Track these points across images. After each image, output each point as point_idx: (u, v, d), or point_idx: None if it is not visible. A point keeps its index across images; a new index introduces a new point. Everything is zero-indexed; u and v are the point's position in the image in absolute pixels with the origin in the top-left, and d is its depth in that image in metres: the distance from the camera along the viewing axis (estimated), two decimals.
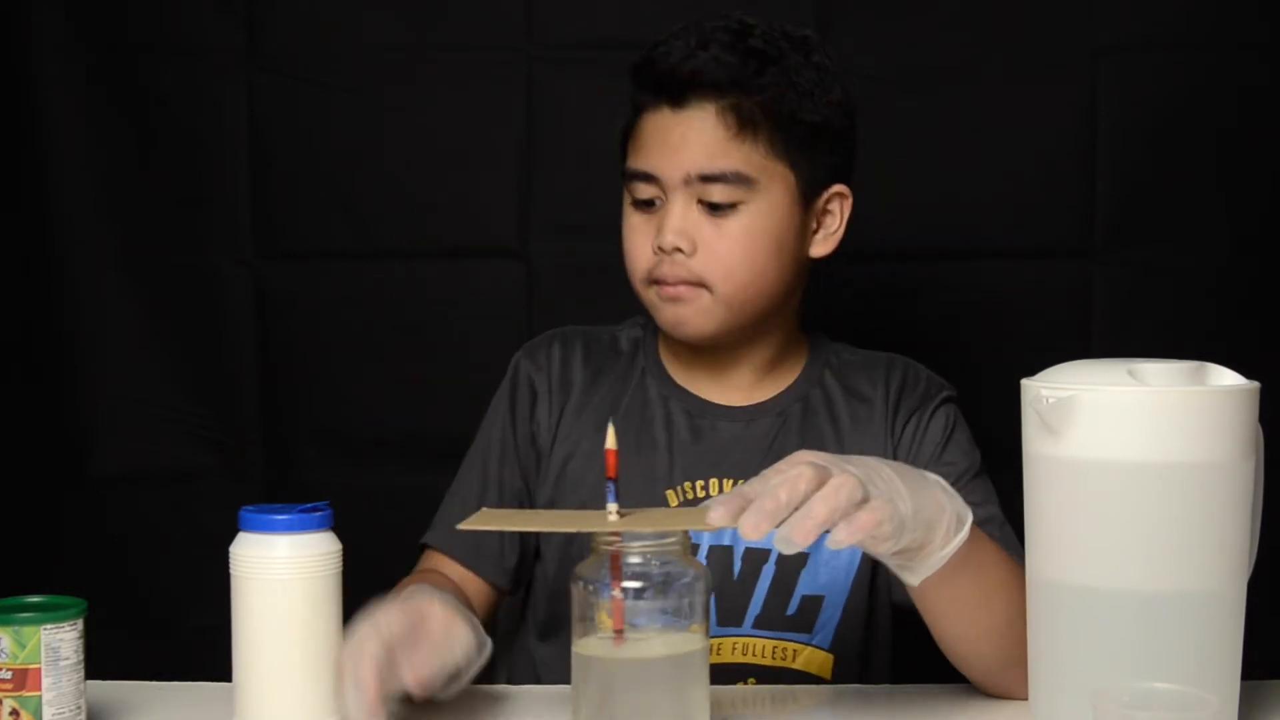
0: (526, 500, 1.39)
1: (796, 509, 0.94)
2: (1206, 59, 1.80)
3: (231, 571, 1.05)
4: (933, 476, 1.06)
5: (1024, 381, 1.06)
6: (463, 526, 1.03)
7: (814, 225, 1.35)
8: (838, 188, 1.35)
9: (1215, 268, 1.82)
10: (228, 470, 1.88)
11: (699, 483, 1.34)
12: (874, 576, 1.35)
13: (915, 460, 1.33)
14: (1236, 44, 1.80)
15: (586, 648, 1.01)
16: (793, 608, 1.32)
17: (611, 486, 0.99)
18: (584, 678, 1.02)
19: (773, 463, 1.34)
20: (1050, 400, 1.01)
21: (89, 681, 1.06)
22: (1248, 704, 1.06)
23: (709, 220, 1.29)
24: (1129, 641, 1.00)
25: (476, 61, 1.83)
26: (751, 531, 0.93)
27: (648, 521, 1.01)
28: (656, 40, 1.32)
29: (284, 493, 1.82)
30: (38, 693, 1.01)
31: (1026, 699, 1.17)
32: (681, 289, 1.30)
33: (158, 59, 1.85)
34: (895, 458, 1.31)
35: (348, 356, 1.87)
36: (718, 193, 1.28)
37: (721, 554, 1.32)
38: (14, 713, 1.01)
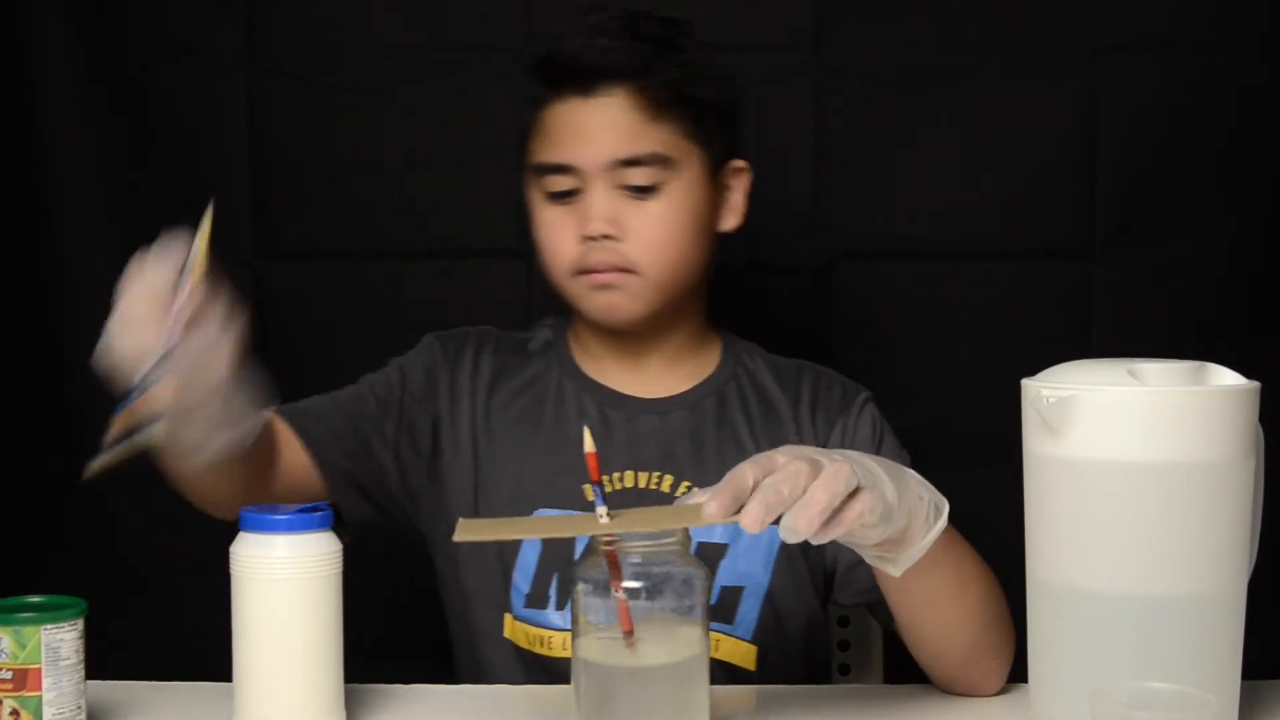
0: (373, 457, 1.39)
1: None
2: (1206, 59, 1.79)
3: (231, 571, 1.05)
4: (906, 469, 1.06)
5: (1024, 381, 1.06)
6: (456, 538, 1.00)
7: (721, 201, 1.37)
8: (735, 162, 1.37)
9: (1215, 268, 1.81)
10: None
11: (615, 475, 1.34)
12: (800, 570, 1.34)
13: None
14: (1236, 44, 1.79)
15: (586, 649, 1.01)
16: (714, 597, 1.31)
17: (598, 490, 0.99)
18: (584, 679, 1.02)
19: (692, 452, 1.32)
20: (1051, 400, 1.01)
21: (89, 681, 1.06)
22: (1248, 704, 1.07)
23: (632, 204, 1.30)
24: (1129, 641, 1.00)
25: (476, 61, 1.82)
26: (754, 525, 0.93)
27: (639, 521, 1.00)
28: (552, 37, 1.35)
29: None
30: (38, 693, 1.01)
31: (992, 694, 1.18)
32: (612, 275, 1.31)
33: (158, 59, 1.85)
34: None
35: (348, 356, 1.85)
36: (639, 175, 1.29)
37: None
38: (14, 713, 1.01)
